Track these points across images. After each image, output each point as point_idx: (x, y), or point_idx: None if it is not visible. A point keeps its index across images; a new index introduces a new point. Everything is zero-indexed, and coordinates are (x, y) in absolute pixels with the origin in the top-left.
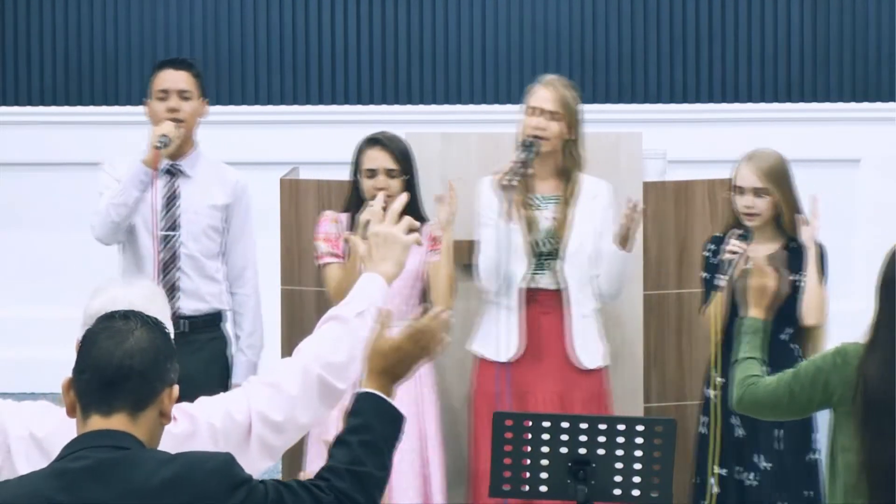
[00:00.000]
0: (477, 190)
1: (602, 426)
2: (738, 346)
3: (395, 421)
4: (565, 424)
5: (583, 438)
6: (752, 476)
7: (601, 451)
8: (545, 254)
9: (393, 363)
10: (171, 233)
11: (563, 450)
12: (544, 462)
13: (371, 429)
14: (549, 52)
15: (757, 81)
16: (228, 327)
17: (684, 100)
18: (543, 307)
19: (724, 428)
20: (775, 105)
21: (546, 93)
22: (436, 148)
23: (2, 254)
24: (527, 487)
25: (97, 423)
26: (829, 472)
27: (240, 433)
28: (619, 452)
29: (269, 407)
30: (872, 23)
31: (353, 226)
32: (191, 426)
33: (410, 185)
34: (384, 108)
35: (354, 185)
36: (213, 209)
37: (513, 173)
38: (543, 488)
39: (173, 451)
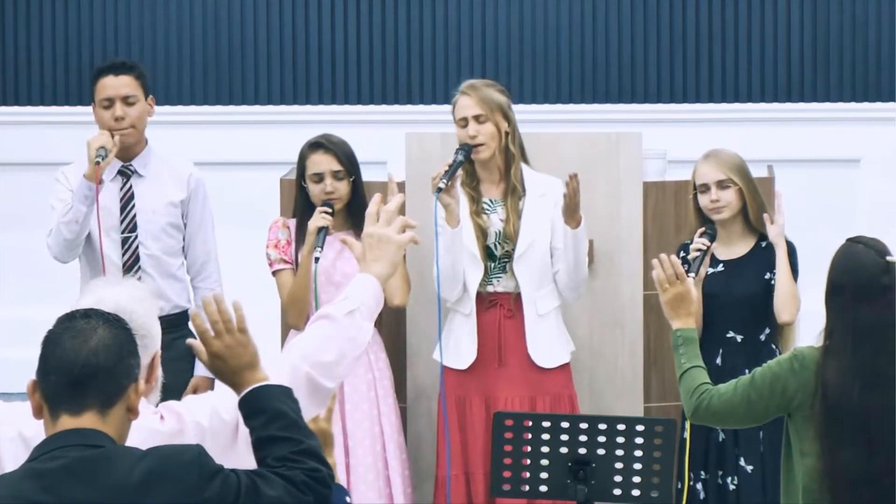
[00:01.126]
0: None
1: (602, 426)
2: (676, 360)
3: (289, 393)
4: (565, 424)
5: (583, 438)
6: (733, 480)
7: (601, 451)
8: (500, 257)
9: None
10: (130, 234)
11: (563, 450)
12: (544, 462)
13: (282, 413)
14: (549, 52)
15: (757, 81)
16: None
17: (684, 100)
18: (505, 310)
19: (706, 432)
20: (775, 105)
21: (466, 100)
22: (436, 148)
23: (2, 254)
24: (527, 487)
25: (67, 422)
26: (784, 474)
27: (227, 431)
28: (619, 452)
29: None
30: (872, 23)
31: (300, 232)
32: (178, 425)
33: (356, 186)
34: (384, 108)
35: (301, 191)
36: (170, 206)
37: (443, 176)
38: (543, 488)
39: None
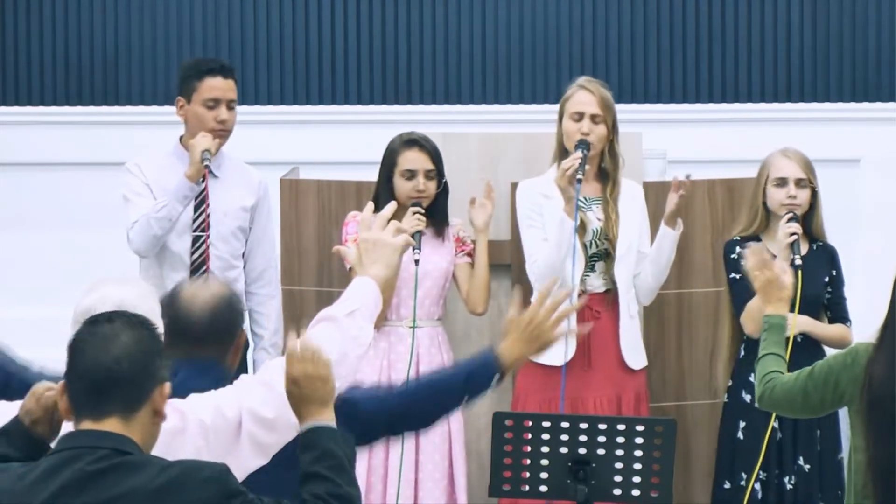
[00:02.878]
0: (516, 195)
1: (602, 426)
2: (761, 343)
3: (348, 441)
4: (565, 424)
5: (583, 438)
6: (790, 479)
7: (601, 451)
8: (593, 255)
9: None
10: (201, 234)
11: (563, 450)
12: (544, 462)
13: (332, 454)
14: (549, 52)
15: (757, 81)
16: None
17: (684, 100)
18: (594, 310)
19: (763, 432)
20: (775, 105)
21: (587, 96)
22: None
23: (2, 254)
24: (527, 487)
25: (89, 426)
26: (848, 471)
27: (230, 430)
28: (619, 452)
29: (261, 404)
30: (872, 23)
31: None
32: (180, 422)
33: (444, 187)
34: (384, 108)
35: (385, 186)
36: (241, 210)
37: (578, 168)
38: (543, 488)
39: (163, 446)
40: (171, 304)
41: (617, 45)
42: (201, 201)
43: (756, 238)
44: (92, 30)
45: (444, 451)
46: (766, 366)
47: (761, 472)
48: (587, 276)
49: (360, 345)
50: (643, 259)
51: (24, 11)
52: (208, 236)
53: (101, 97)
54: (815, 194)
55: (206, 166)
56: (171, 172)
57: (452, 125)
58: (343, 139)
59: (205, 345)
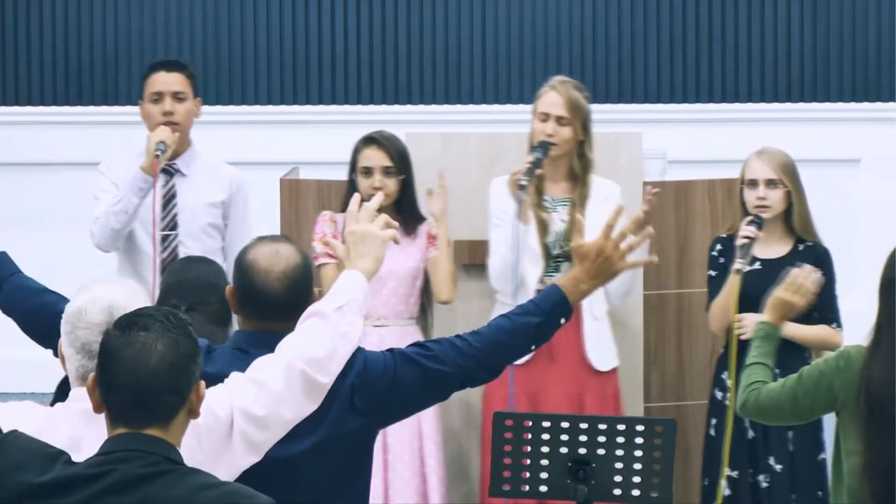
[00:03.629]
0: (489, 191)
1: (602, 426)
2: (750, 349)
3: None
4: (565, 424)
5: (583, 438)
6: (764, 478)
7: (601, 451)
8: (557, 256)
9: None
10: (170, 232)
11: (563, 450)
12: (544, 462)
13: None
14: (549, 52)
15: (757, 81)
16: None
17: (684, 100)
18: None
19: (735, 430)
20: (775, 105)
21: (555, 97)
22: (436, 148)
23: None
24: (527, 487)
25: (129, 430)
26: (833, 475)
27: (222, 429)
28: (619, 452)
29: (252, 402)
30: (872, 23)
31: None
32: None
33: (407, 185)
34: (384, 108)
35: (351, 185)
36: (211, 207)
37: (525, 173)
38: (543, 488)
39: None
40: (244, 276)
41: (617, 45)
42: (169, 199)
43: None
44: (92, 30)
45: (415, 450)
46: (752, 375)
47: (732, 471)
48: (551, 276)
49: (350, 340)
50: None
51: (24, 11)
52: (176, 235)
53: (101, 97)
54: (791, 194)
55: (157, 156)
56: (131, 174)
57: (452, 125)
58: (343, 139)
59: (282, 319)
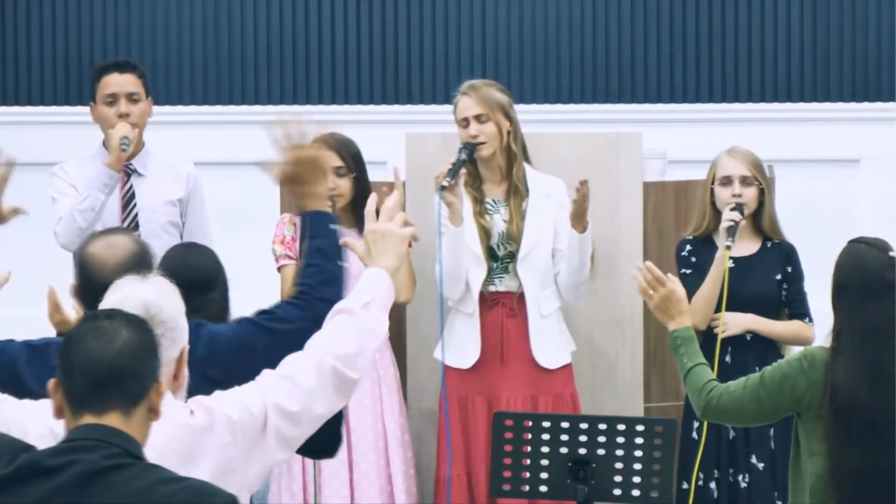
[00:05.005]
0: (434, 200)
1: (602, 426)
2: (678, 361)
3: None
4: (565, 424)
5: (583, 438)
6: (743, 478)
7: (601, 451)
8: (503, 257)
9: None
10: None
11: (563, 450)
12: (544, 462)
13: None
14: (549, 52)
15: (757, 81)
16: None
17: (684, 100)
18: (508, 309)
19: (716, 431)
20: (775, 105)
21: (466, 100)
22: (436, 148)
23: (1, 254)
24: (527, 487)
25: (91, 421)
26: (792, 474)
27: (256, 425)
28: (619, 452)
29: (286, 398)
30: (872, 23)
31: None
32: (208, 419)
33: (360, 183)
34: (384, 108)
35: None
36: (169, 205)
37: (447, 175)
38: (543, 488)
39: (191, 443)
40: (82, 271)
41: (617, 45)
42: (128, 200)
43: (707, 238)
44: (92, 30)
45: (380, 449)
46: (699, 377)
47: (716, 471)
48: (501, 277)
49: (377, 336)
50: (562, 257)
51: (24, 11)
52: (139, 234)
53: None
54: (763, 192)
55: (124, 149)
56: (94, 173)
57: (452, 125)
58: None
59: None
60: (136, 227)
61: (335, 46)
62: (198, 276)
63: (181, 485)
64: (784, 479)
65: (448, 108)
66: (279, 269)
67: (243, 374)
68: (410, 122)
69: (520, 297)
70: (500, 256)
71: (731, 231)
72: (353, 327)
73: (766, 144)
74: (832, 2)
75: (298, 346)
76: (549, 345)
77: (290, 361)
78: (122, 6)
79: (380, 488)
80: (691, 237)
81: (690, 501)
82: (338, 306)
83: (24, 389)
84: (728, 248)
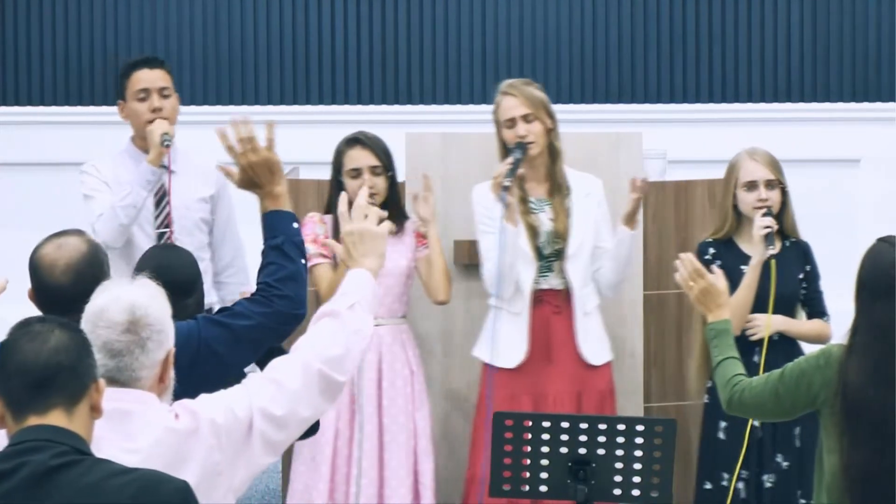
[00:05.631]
0: (472, 198)
1: (602, 426)
2: (711, 353)
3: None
4: (565, 424)
5: (583, 438)
6: (768, 478)
7: (601, 451)
8: (549, 255)
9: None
10: (165, 230)
11: (563, 450)
12: (544, 462)
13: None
14: (549, 52)
15: (757, 81)
16: None
17: (684, 100)
18: (553, 307)
19: (744, 430)
20: (775, 105)
21: (511, 100)
22: (436, 148)
23: (1, 253)
24: (527, 487)
25: (35, 422)
26: (816, 471)
27: (241, 429)
28: (619, 452)
29: (271, 402)
30: (872, 23)
31: (338, 227)
32: (193, 422)
33: (393, 182)
34: (384, 108)
35: (336, 187)
36: (201, 202)
37: (507, 175)
38: (543, 488)
39: (176, 447)
40: (34, 274)
41: (617, 45)
42: (162, 197)
43: (728, 241)
44: (92, 30)
45: (410, 448)
46: (728, 370)
47: (743, 471)
48: (545, 276)
49: (363, 337)
50: (603, 254)
51: (24, 11)
52: (172, 231)
53: (101, 97)
54: (784, 193)
55: (167, 146)
56: (125, 170)
57: (452, 125)
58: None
59: (73, 311)
60: (170, 223)
61: (335, 46)
62: (178, 280)
63: (131, 476)
64: (809, 479)
65: (448, 108)
66: (312, 267)
67: (202, 369)
68: (410, 122)
69: (563, 295)
70: (546, 255)
71: (770, 238)
72: (339, 329)
73: (766, 144)
74: (832, 2)
75: (256, 341)
76: (594, 341)
77: (277, 364)
78: (122, 6)
79: (409, 487)
80: (712, 240)
81: (728, 501)
82: (323, 309)
83: None
84: (772, 256)
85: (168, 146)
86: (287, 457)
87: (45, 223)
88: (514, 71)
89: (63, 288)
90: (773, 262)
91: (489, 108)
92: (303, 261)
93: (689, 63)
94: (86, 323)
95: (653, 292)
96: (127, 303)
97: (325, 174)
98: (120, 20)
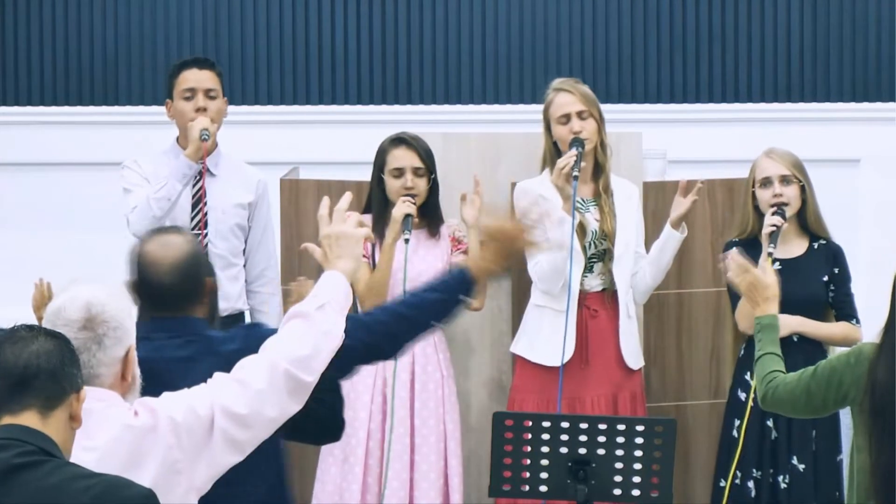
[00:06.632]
0: (516, 195)
1: (602, 426)
2: (756, 346)
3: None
4: (565, 424)
5: (583, 438)
6: (783, 479)
7: (601, 451)
8: (592, 256)
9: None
10: (199, 232)
11: (563, 450)
12: (544, 462)
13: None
14: (549, 52)
15: (757, 81)
16: None
17: (684, 100)
18: (591, 309)
19: (759, 430)
20: (775, 105)
21: (567, 97)
22: (436, 148)
23: (1, 253)
24: (527, 487)
25: (7, 422)
26: (849, 471)
27: (202, 427)
28: (619, 452)
29: (234, 401)
30: (872, 23)
31: (378, 226)
32: (151, 420)
33: (434, 184)
34: (384, 108)
35: (378, 186)
36: (239, 207)
37: (573, 166)
38: (543, 488)
39: (134, 444)
40: (137, 269)
41: (617, 45)
42: (198, 199)
43: (753, 240)
44: (92, 30)
45: (440, 451)
46: (766, 366)
47: (756, 471)
48: (585, 276)
49: (333, 338)
50: (640, 259)
51: (24, 11)
52: (206, 234)
53: (101, 97)
54: (804, 190)
55: (205, 139)
56: (167, 168)
57: (452, 125)
58: (343, 139)
59: (172, 308)
60: (205, 225)
61: (335, 46)
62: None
63: (94, 480)
64: (825, 481)
65: (448, 108)
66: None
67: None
68: (410, 122)
69: (604, 296)
70: (588, 255)
71: (774, 237)
72: (308, 330)
73: (766, 144)
74: (832, 2)
75: (345, 360)
76: (633, 345)
77: (244, 364)
78: (121, 6)
79: (439, 489)
80: (738, 240)
81: (725, 501)
82: (292, 310)
83: None
84: (770, 254)
85: (206, 140)
86: (296, 461)
87: (45, 223)
88: (514, 71)
89: (167, 286)
90: (769, 262)
91: (489, 108)
92: (427, 317)
93: (689, 63)
94: (46, 323)
95: (653, 292)
96: (83, 301)
97: (325, 174)
98: (120, 20)
